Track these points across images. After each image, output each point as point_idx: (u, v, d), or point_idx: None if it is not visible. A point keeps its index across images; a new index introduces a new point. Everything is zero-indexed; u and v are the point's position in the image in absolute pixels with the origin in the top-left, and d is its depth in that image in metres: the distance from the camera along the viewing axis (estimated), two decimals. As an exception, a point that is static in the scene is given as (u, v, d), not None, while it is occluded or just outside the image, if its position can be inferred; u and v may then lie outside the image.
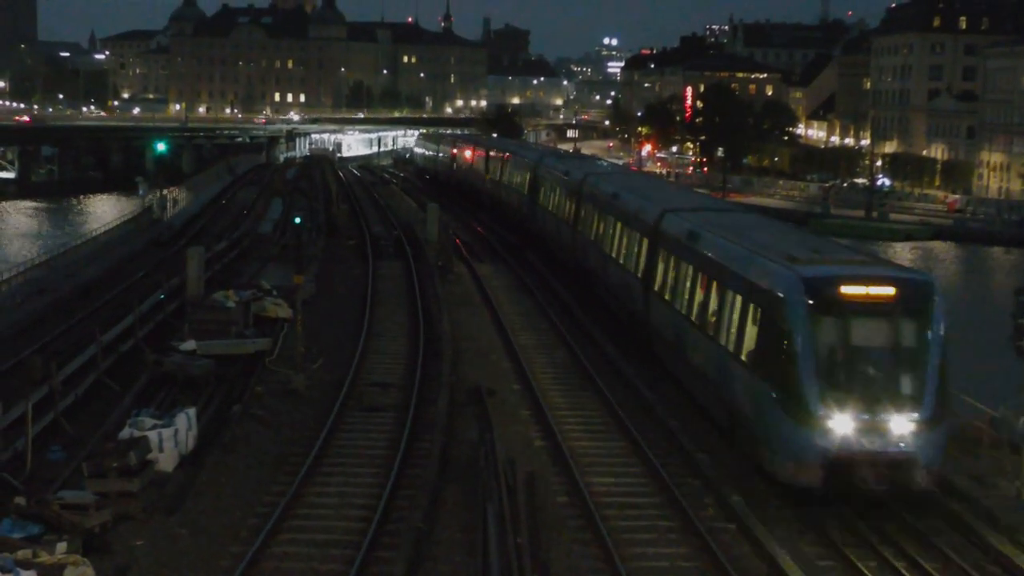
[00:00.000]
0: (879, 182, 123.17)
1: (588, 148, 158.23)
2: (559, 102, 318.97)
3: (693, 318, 26.06)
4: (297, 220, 45.14)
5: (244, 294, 33.41)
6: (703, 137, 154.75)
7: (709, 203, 37.21)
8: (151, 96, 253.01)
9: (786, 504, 20.64)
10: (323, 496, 20.83)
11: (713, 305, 24.77)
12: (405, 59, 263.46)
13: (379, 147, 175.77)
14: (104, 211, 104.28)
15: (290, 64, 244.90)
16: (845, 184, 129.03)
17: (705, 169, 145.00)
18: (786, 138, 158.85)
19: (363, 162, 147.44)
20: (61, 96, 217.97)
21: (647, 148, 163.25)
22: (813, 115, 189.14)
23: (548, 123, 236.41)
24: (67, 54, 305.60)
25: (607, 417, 26.00)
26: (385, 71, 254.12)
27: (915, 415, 20.04)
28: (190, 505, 20.03)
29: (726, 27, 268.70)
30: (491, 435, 23.03)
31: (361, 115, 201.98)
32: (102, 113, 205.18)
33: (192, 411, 23.19)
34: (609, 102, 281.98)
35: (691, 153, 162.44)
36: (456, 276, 44.15)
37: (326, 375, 28.73)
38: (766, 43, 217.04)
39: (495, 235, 56.91)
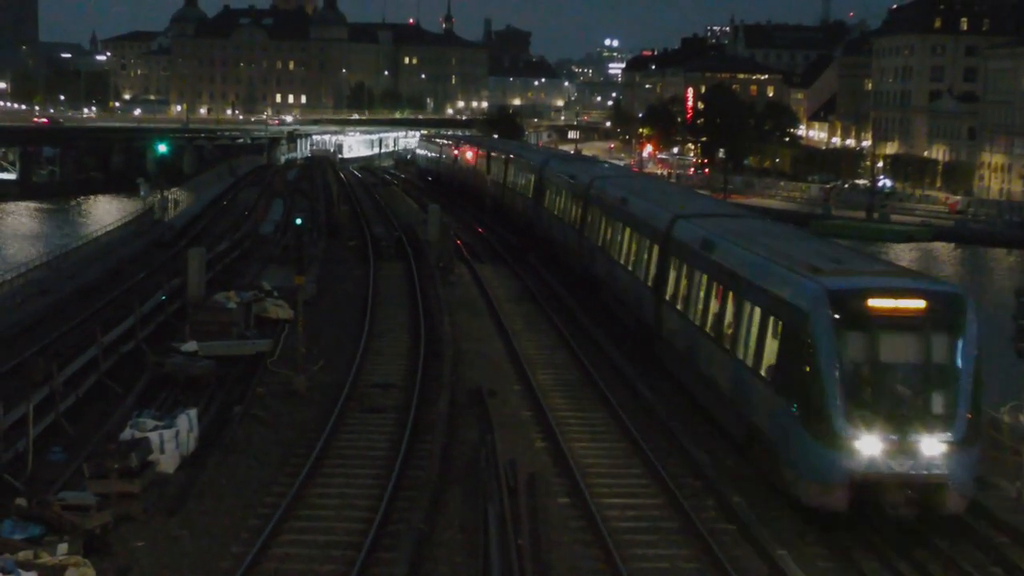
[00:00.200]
0: (880, 183, 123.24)
1: (589, 149, 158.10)
2: (560, 103, 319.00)
3: (707, 329, 25.28)
4: (298, 221, 44.94)
5: (245, 295, 33.44)
6: (704, 138, 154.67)
7: (722, 208, 36.09)
8: (152, 97, 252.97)
9: (787, 505, 20.63)
10: (324, 497, 20.83)
11: (729, 316, 23.90)
12: (406, 60, 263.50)
13: (380, 148, 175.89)
14: (105, 212, 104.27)
15: (291, 65, 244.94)
16: (846, 185, 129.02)
17: (706, 170, 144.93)
18: (787, 139, 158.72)
19: (364, 163, 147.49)
20: (63, 97, 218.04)
21: (648, 149, 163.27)
22: (814, 116, 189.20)
23: (549, 124, 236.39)
24: (68, 55, 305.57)
25: (608, 418, 25.97)
26: (386, 72, 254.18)
27: (947, 436, 19.20)
28: (191, 506, 20.06)
29: (727, 28, 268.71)
30: (492, 436, 23.05)
31: (355, 116, 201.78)
32: (113, 114, 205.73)
33: (193, 412, 23.22)
34: (610, 103, 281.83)
35: (692, 154, 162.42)
36: (457, 277, 44.16)
37: (327, 376, 28.73)
38: (767, 44, 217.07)
39: (497, 237, 56.89)
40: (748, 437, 22.51)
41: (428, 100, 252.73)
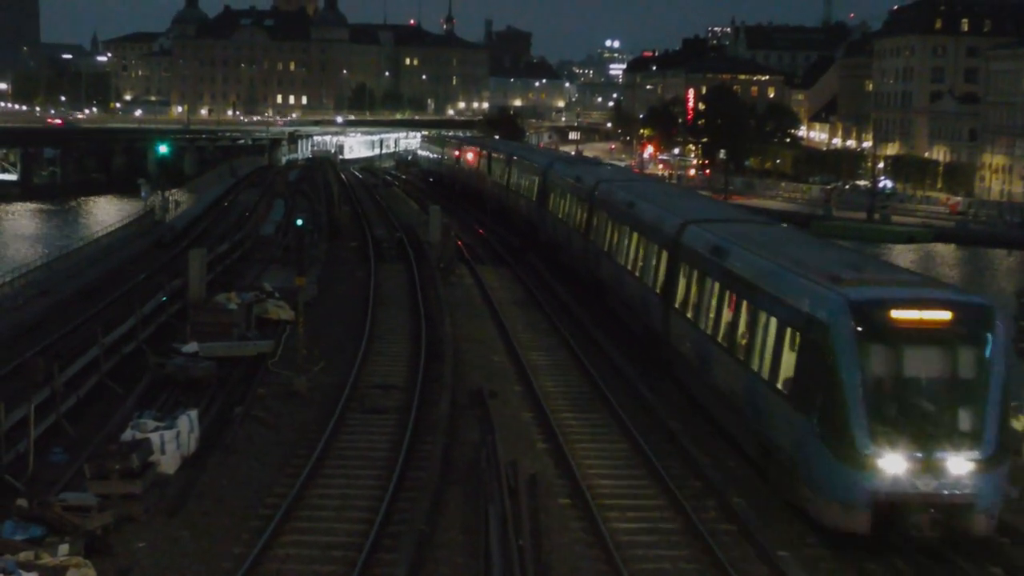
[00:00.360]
0: (881, 184, 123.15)
1: (590, 150, 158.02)
2: (561, 104, 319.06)
3: (720, 339, 24.37)
4: (299, 222, 45.04)
5: (246, 296, 33.44)
6: (705, 139, 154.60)
7: (734, 213, 34.80)
8: (153, 98, 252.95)
9: (791, 509, 20.62)
10: (325, 498, 20.83)
11: (743, 326, 22.98)
12: (407, 61, 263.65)
13: (381, 149, 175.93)
14: (106, 213, 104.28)
15: (292, 66, 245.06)
16: (847, 186, 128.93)
17: (707, 171, 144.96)
18: (788, 140, 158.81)
19: (365, 164, 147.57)
20: (63, 98, 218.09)
21: (649, 150, 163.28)
22: (815, 117, 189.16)
23: (550, 125, 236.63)
24: (69, 56, 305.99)
25: (609, 419, 25.98)
26: (387, 73, 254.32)
27: (974, 454, 18.36)
28: (192, 507, 20.07)
29: (728, 29, 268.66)
30: (493, 437, 23.04)
31: (352, 117, 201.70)
32: (114, 115, 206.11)
33: (194, 413, 23.22)
34: (611, 104, 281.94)
35: (693, 155, 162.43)
36: (458, 279, 44.17)
37: (328, 377, 28.75)
38: (768, 45, 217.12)
39: (498, 238, 56.88)
40: (762, 452, 21.68)
41: (429, 101, 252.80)
